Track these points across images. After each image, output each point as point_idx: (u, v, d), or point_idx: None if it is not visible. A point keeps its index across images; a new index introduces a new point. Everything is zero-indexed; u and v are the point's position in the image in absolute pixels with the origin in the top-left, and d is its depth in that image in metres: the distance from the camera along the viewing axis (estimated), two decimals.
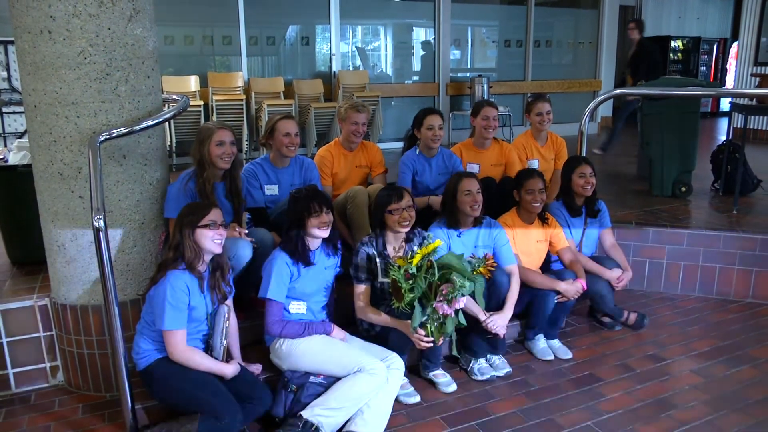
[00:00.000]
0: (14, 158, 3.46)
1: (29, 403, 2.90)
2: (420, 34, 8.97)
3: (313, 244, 2.81)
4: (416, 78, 9.01)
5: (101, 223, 2.30)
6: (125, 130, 2.63)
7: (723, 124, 9.98)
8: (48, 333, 2.98)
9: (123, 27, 2.67)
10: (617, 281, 3.48)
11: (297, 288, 2.77)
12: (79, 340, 2.89)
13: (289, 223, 2.79)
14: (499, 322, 3.02)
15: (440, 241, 2.69)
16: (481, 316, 2.97)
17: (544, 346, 3.33)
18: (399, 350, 2.78)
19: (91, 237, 2.60)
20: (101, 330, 2.86)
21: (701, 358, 3.29)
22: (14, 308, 2.93)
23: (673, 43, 11.96)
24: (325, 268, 2.88)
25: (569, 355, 3.30)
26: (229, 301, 2.72)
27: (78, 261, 2.80)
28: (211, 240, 2.51)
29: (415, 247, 2.83)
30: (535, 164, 4.09)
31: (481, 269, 2.70)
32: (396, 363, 2.71)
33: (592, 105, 4.14)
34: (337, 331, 2.82)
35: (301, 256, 2.76)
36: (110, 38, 2.64)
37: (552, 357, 3.29)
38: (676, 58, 12.02)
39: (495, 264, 2.82)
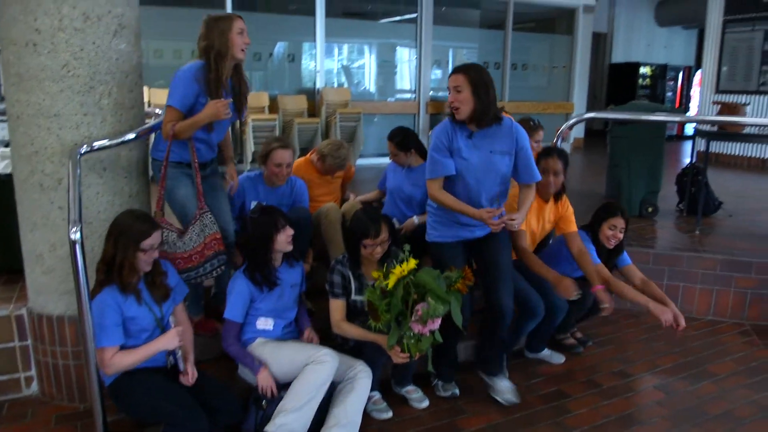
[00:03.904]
0: None
1: (1, 413, 2.88)
2: (402, 55, 9.13)
3: (277, 261, 2.85)
4: (401, 96, 9.19)
5: (77, 236, 2.32)
6: (106, 142, 2.67)
7: (688, 147, 10.28)
8: (23, 342, 2.97)
9: (108, 42, 2.72)
10: (676, 325, 3.08)
11: (263, 307, 2.82)
12: (54, 350, 2.90)
13: (254, 246, 2.77)
14: (518, 220, 2.86)
15: (415, 261, 2.63)
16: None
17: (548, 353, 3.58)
18: (372, 363, 2.82)
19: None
20: (77, 341, 2.86)
21: (664, 374, 3.41)
22: None
23: (642, 69, 12.45)
24: (291, 286, 2.91)
25: (562, 360, 3.53)
26: (179, 305, 2.71)
27: (56, 271, 2.82)
28: (143, 262, 2.46)
29: (394, 261, 2.70)
30: None
31: (458, 284, 2.68)
32: (363, 371, 2.75)
33: (564, 127, 4.29)
34: (263, 373, 2.73)
35: (266, 280, 2.78)
36: (95, 52, 2.69)
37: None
38: (644, 83, 12.51)
39: (472, 279, 2.79)
